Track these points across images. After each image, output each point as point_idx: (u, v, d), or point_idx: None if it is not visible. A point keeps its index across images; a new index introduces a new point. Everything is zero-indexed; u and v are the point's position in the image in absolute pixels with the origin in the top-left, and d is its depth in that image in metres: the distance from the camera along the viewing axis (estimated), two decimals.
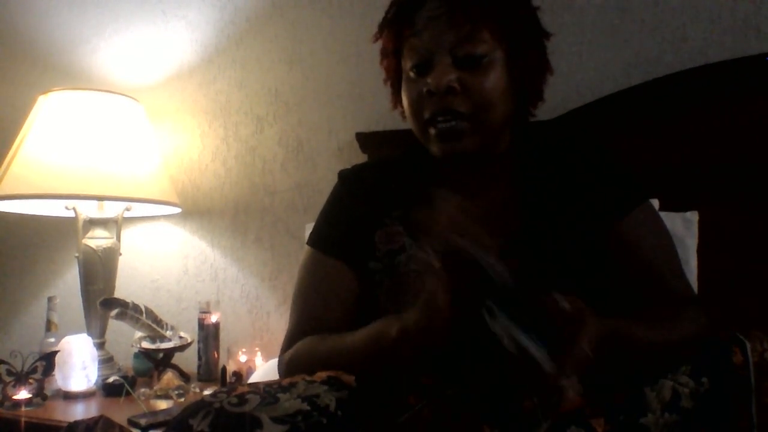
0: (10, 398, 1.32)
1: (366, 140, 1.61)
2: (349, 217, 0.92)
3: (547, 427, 0.66)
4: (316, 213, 0.98)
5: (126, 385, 1.42)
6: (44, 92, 1.61)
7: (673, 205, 1.22)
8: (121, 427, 1.04)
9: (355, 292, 0.90)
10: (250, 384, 0.70)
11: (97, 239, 1.63)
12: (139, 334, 1.59)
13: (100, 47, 1.99)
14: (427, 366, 0.75)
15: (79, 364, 1.42)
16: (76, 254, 1.63)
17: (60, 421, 1.25)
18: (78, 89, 1.63)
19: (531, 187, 0.88)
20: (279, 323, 1.77)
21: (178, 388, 1.41)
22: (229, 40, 1.85)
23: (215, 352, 1.64)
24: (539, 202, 0.87)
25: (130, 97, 1.68)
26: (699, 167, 1.29)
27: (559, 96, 1.39)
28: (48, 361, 1.38)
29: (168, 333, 1.59)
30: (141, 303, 1.59)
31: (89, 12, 1.99)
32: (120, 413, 1.22)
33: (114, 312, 1.53)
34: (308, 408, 0.64)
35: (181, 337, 1.59)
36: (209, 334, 1.64)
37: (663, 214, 0.99)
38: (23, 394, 1.33)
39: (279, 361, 0.90)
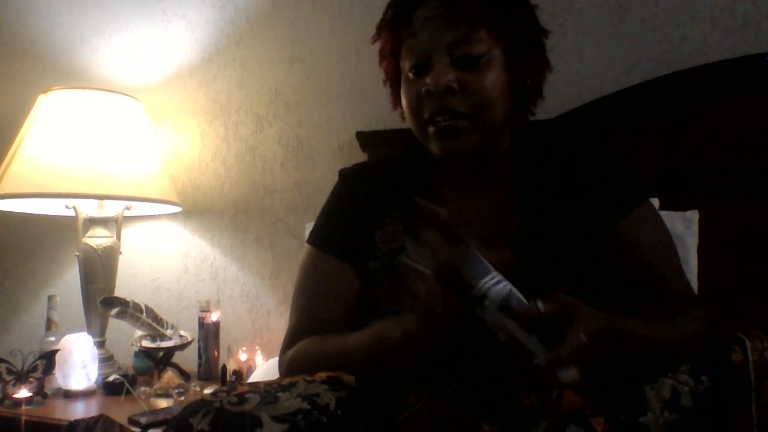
0: (10, 397, 1.33)
1: (366, 139, 1.61)
2: (350, 217, 0.92)
3: (546, 426, 0.66)
4: (316, 212, 0.98)
5: (126, 383, 1.42)
6: (44, 91, 1.61)
7: (673, 204, 1.22)
8: (121, 426, 1.04)
9: (355, 292, 0.90)
10: (250, 383, 0.70)
11: (98, 238, 1.63)
12: (139, 332, 1.59)
13: (100, 46, 1.99)
14: (427, 366, 0.75)
15: (80, 363, 1.42)
16: (77, 253, 1.63)
17: (60, 420, 1.25)
18: (78, 88, 1.63)
19: (531, 187, 0.88)
20: (279, 322, 1.77)
21: (178, 386, 1.41)
22: (229, 39, 1.85)
23: (215, 351, 1.65)
24: (539, 201, 0.87)
25: (130, 96, 1.68)
26: (699, 167, 1.28)
27: (559, 96, 1.39)
28: (48, 359, 1.38)
29: (168, 332, 1.59)
30: (141, 302, 1.59)
31: (89, 11, 1.99)
32: (120, 412, 1.22)
33: (114, 311, 1.53)
34: (308, 407, 0.64)
35: (181, 336, 1.60)
36: (209, 333, 1.64)
37: (663, 214, 0.99)
38: (23, 392, 1.33)
39: (279, 361, 0.90)
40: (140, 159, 1.62)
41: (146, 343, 1.54)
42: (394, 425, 0.69)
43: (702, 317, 0.81)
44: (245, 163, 1.84)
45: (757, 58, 1.28)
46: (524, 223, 0.86)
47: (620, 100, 1.37)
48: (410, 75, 0.84)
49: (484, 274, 0.61)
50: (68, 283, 1.94)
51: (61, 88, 1.61)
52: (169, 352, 1.54)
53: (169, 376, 1.46)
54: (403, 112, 0.90)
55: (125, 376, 1.47)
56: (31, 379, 1.36)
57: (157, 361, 1.53)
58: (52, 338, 1.55)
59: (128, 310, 1.54)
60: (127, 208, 1.70)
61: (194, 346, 1.63)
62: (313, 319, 0.88)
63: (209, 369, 1.62)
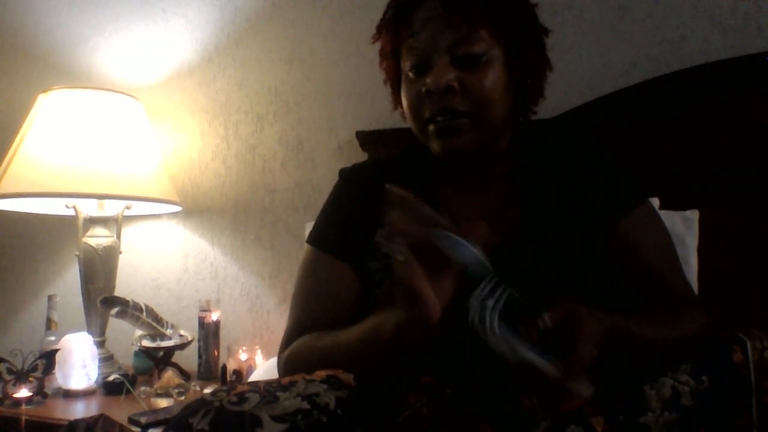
0: (10, 396, 1.33)
1: (366, 139, 1.61)
2: (349, 217, 0.92)
3: (546, 426, 0.66)
4: (316, 212, 0.98)
5: (126, 383, 1.43)
6: (44, 91, 1.61)
7: (673, 204, 1.22)
8: (121, 426, 1.04)
9: (355, 292, 0.90)
10: (250, 383, 0.70)
11: (98, 238, 1.63)
12: (139, 332, 1.59)
13: (100, 46, 1.99)
14: (427, 365, 0.75)
15: (80, 363, 1.42)
16: (77, 253, 1.63)
17: (60, 420, 1.25)
18: (78, 88, 1.62)
19: (531, 187, 0.88)
20: (279, 322, 1.77)
21: (178, 386, 1.41)
22: (229, 39, 1.85)
23: (215, 351, 1.65)
24: (539, 201, 0.87)
25: (130, 95, 1.68)
26: (699, 167, 1.29)
27: (560, 95, 1.39)
28: (48, 359, 1.38)
29: (168, 331, 1.59)
30: (141, 301, 1.59)
31: (89, 11, 1.99)
32: (120, 412, 1.22)
33: (114, 310, 1.53)
34: (308, 406, 0.64)
35: (181, 336, 1.60)
36: (209, 333, 1.64)
37: (663, 213, 0.99)
38: (23, 392, 1.33)
39: (278, 360, 0.90)
40: (140, 158, 1.62)
41: (146, 343, 1.54)
42: (394, 425, 0.69)
43: (702, 317, 0.81)
44: (245, 163, 1.84)
45: (757, 58, 1.28)
46: (524, 222, 0.86)
47: (620, 100, 1.37)
48: (410, 75, 0.84)
49: (473, 262, 0.60)
50: (68, 283, 1.94)
51: (61, 88, 1.61)
52: (169, 351, 1.54)
53: (169, 375, 1.46)
54: (403, 112, 0.90)
55: (125, 375, 1.47)
56: (31, 379, 1.36)
57: (157, 360, 1.53)
58: (52, 338, 1.55)
59: (128, 309, 1.53)
60: (127, 208, 1.70)
61: (194, 345, 1.63)
62: (312, 319, 0.88)
63: (209, 368, 1.62)
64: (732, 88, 1.29)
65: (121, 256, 1.69)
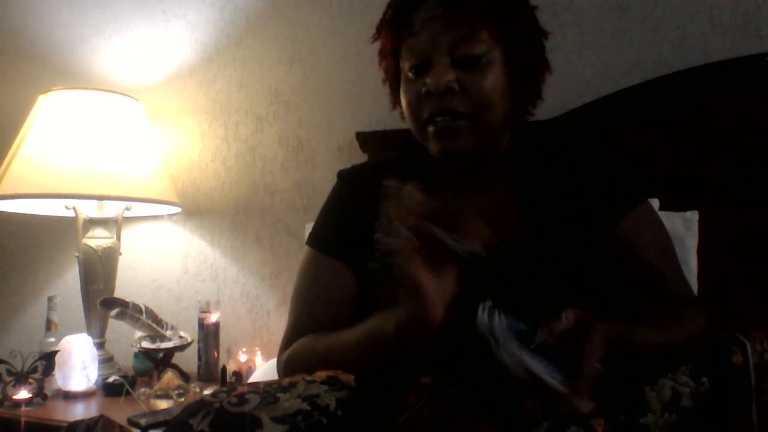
0: (10, 398, 1.33)
1: (366, 140, 1.61)
2: (349, 218, 0.92)
3: (546, 426, 0.66)
4: (316, 213, 0.98)
5: (126, 384, 1.42)
6: (44, 92, 1.61)
7: (673, 204, 1.22)
8: (121, 427, 1.04)
9: (355, 292, 0.90)
10: (250, 384, 0.70)
11: (97, 239, 1.63)
12: (139, 333, 1.59)
13: (100, 47, 1.99)
14: (427, 366, 0.75)
15: (79, 364, 1.42)
16: (76, 254, 1.63)
17: (60, 421, 1.25)
18: (78, 89, 1.63)
19: (530, 187, 0.88)
20: (279, 323, 1.77)
21: (178, 387, 1.41)
22: (229, 39, 1.85)
23: (215, 352, 1.64)
24: (539, 202, 0.87)
25: (130, 96, 1.68)
26: (699, 167, 1.28)
27: (559, 96, 1.39)
28: (48, 360, 1.38)
29: (168, 333, 1.59)
30: (141, 303, 1.59)
31: (89, 12, 1.99)
32: (120, 413, 1.22)
33: (114, 312, 1.53)
34: (308, 408, 0.64)
35: (181, 337, 1.59)
36: (209, 334, 1.64)
37: (663, 214, 0.99)
38: (23, 393, 1.33)
39: (277, 361, 0.90)
40: (140, 159, 1.62)
41: (146, 344, 1.54)
42: (394, 425, 0.69)
43: (702, 318, 0.80)
44: (245, 164, 1.84)
45: (757, 58, 1.28)
46: (524, 223, 0.86)
47: (620, 100, 1.37)
48: (410, 75, 0.84)
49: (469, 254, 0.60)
50: (68, 284, 1.94)
51: (60, 89, 1.61)
52: (169, 353, 1.54)
53: (169, 377, 1.46)
54: (402, 112, 0.90)
55: (125, 377, 1.47)
56: (30, 380, 1.36)
57: (156, 362, 1.53)
58: (52, 339, 1.55)
59: (128, 311, 1.53)
60: (127, 209, 1.69)
61: (194, 347, 1.62)
62: (311, 320, 0.88)
63: (209, 370, 1.62)
64: (732, 88, 1.29)
65: (120, 258, 1.69)
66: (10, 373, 1.35)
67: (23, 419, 1.26)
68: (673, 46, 1.42)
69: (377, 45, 0.90)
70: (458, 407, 0.71)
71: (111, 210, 1.68)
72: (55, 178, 1.48)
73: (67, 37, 2.02)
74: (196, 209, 1.88)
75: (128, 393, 1.41)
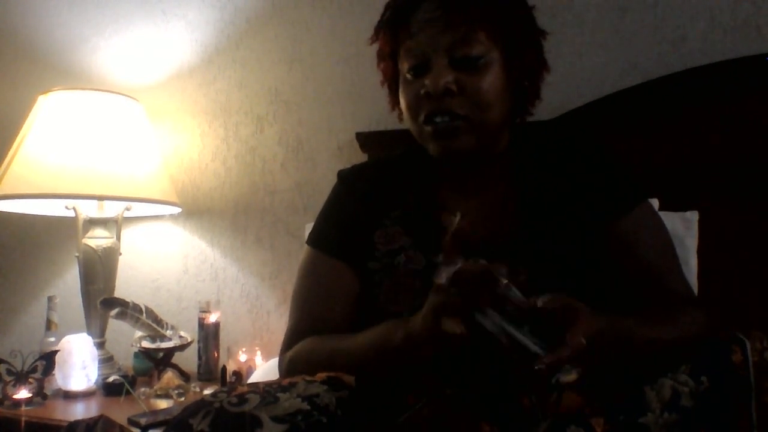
0: (10, 397, 1.33)
1: (366, 140, 1.61)
2: (349, 217, 0.92)
3: (546, 426, 0.66)
4: (316, 213, 0.98)
5: (126, 384, 1.42)
6: (44, 92, 1.61)
7: (673, 204, 1.22)
8: (121, 427, 1.04)
9: (355, 292, 0.90)
10: (250, 384, 0.70)
11: (97, 239, 1.63)
12: (139, 333, 1.59)
13: (100, 47, 1.99)
14: (427, 366, 0.75)
15: (79, 364, 1.42)
16: (76, 254, 1.63)
17: (60, 421, 1.25)
18: (78, 89, 1.63)
19: (530, 187, 0.88)
20: (279, 323, 1.77)
21: (178, 387, 1.41)
22: (229, 40, 1.85)
23: (215, 352, 1.64)
24: (538, 202, 0.87)
25: (130, 96, 1.68)
26: (699, 167, 1.28)
27: (559, 96, 1.39)
28: (48, 360, 1.38)
29: (168, 332, 1.59)
30: (141, 302, 1.59)
31: (89, 12, 1.99)
32: (120, 413, 1.22)
33: (114, 311, 1.53)
34: (308, 407, 0.64)
35: (181, 337, 1.59)
36: (209, 334, 1.64)
37: (663, 214, 0.99)
38: (23, 393, 1.33)
39: (279, 361, 0.90)
40: (140, 159, 1.62)
41: (146, 344, 1.54)
42: (394, 425, 0.69)
43: (701, 318, 0.80)
44: (245, 164, 1.84)
45: (757, 58, 1.28)
46: (523, 223, 0.86)
47: (620, 101, 1.37)
48: (409, 76, 0.84)
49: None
50: (68, 284, 1.94)
51: (61, 89, 1.61)
52: (169, 352, 1.54)
53: (169, 376, 1.46)
54: (401, 113, 0.90)
55: (125, 376, 1.47)
56: (30, 380, 1.36)
57: (156, 361, 1.53)
58: (52, 339, 1.56)
59: (128, 310, 1.54)
60: (127, 209, 1.69)
61: (194, 346, 1.62)
62: (312, 320, 0.88)
63: (209, 370, 1.62)
64: (732, 88, 1.29)
65: (120, 258, 1.69)
66: (10, 372, 1.35)
67: (23, 419, 1.26)
68: (673, 46, 1.42)
69: (377, 45, 0.90)
70: (458, 407, 0.71)
71: (111, 210, 1.68)
72: (55, 178, 1.48)
73: (67, 37, 2.02)
74: (196, 209, 1.88)
75: (128, 393, 1.41)
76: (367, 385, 0.72)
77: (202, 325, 1.63)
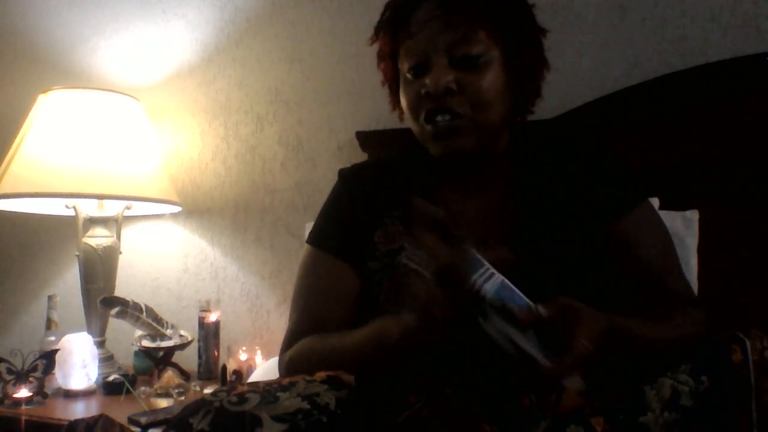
0: (10, 396, 1.33)
1: (366, 139, 1.61)
2: (349, 217, 0.92)
3: (546, 426, 0.66)
4: (316, 212, 0.98)
5: (126, 383, 1.43)
6: (44, 91, 1.61)
7: (673, 204, 1.22)
8: (121, 426, 1.04)
9: (355, 292, 0.90)
10: (250, 383, 0.70)
11: (98, 238, 1.63)
12: (139, 332, 1.59)
13: (100, 46, 1.99)
14: (427, 366, 0.75)
15: (80, 363, 1.42)
16: (77, 253, 1.63)
17: (60, 420, 1.25)
18: (78, 88, 1.63)
19: (530, 187, 0.88)
20: (279, 322, 1.77)
21: (178, 386, 1.41)
22: (229, 39, 1.85)
23: (215, 351, 1.65)
24: (538, 201, 0.87)
25: (131, 96, 1.68)
26: (699, 167, 1.28)
27: (560, 95, 1.39)
28: (48, 359, 1.38)
29: (168, 331, 1.59)
30: (141, 301, 1.59)
31: (89, 11, 1.99)
32: (120, 412, 1.22)
33: (114, 310, 1.53)
34: (308, 407, 0.64)
35: (181, 336, 1.60)
36: (209, 333, 1.64)
37: (663, 213, 0.99)
38: (23, 392, 1.33)
39: (279, 361, 0.90)
40: (140, 159, 1.62)
41: (146, 343, 1.54)
42: (394, 425, 0.69)
43: (701, 317, 0.81)
44: (245, 163, 1.84)
45: (757, 58, 1.28)
46: (523, 222, 0.86)
47: (620, 100, 1.37)
48: (409, 76, 0.84)
49: (475, 269, 0.60)
50: (68, 283, 1.94)
51: (61, 88, 1.61)
52: (169, 351, 1.54)
53: (169, 375, 1.46)
54: (402, 113, 0.90)
55: (125, 375, 1.47)
56: (31, 379, 1.36)
57: (157, 360, 1.53)
58: (52, 338, 1.56)
59: (128, 309, 1.54)
60: (127, 208, 1.70)
61: (194, 345, 1.63)
62: (312, 319, 0.88)
63: (209, 369, 1.62)
64: (732, 88, 1.29)
65: (121, 257, 1.69)
66: (10, 371, 1.35)
67: (23, 418, 1.26)
68: (673, 46, 1.42)
69: (377, 45, 0.90)
70: (458, 407, 0.71)
71: (111, 209, 1.68)
72: (56, 177, 1.48)
73: (67, 37, 2.02)
74: (196, 208, 1.88)
75: (128, 392, 1.41)
76: (367, 385, 0.72)
77: (202, 324, 1.63)
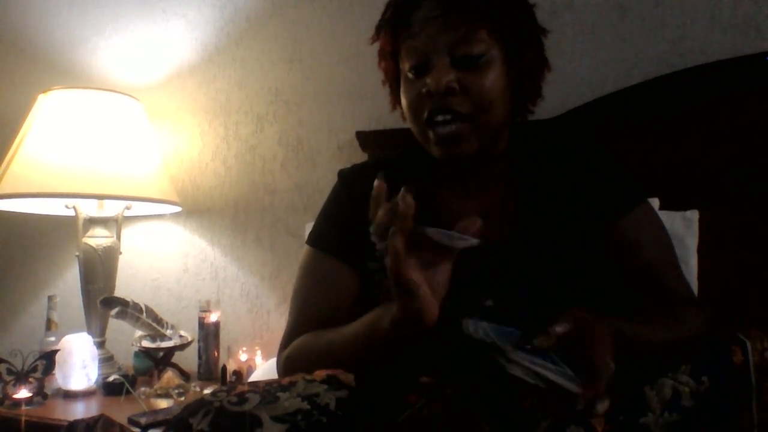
0: (10, 397, 1.33)
1: (366, 139, 1.61)
2: (349, 217, 0.92)
3: (546, 426, 0.66)
4: (316, 212, 0.98)
5: (126, 384, 1.43)
6: (44, 91, 1.61)
7: (673, 204, 1.22)
8: (121, 426, 1.04)
9: (354, 292, 0.90)
10: (250, 383, 0.70)
11: (98, 238, 1.63)
12: (139, 333, 1.59)
13: (100, 46, 1.99)
14: (427, 366, 0.75)
15: (80, 363, 1.42)
16: (77, 253, 1.63)
17: (60, 420, 1.25)
18: (78, 88, 1.62)
19: (530, 187, 0.88)
20: (279, 322, 1.77)
21: (178, 387, 1.41)
22: (229, 39, 1.85)
23: (215, 351, 1.65)
24: (538, 201, 0.87)
25: (131, 96, 1.68)
26: (699, 167, 1.28)
27: (559, 95, 1.39)
28: (48, 359, 1.38)
29: (168, 332, 1.59)
30: (141, 302, 1.59)
31: (89, 11, 1.99)
32: (120, 412, 1.22)
33: (114, 311, 1.53)
34: (308, 407, 0.64)
35: (181, 336, 1.60)
36: (209, 333, 1.64)
37: (663, 214, 0.99)
38: (23, 392, 1.33)
39: (277, 360, 0.90)
40: (140, 159, 1.62)
41: (146, 344, 1.54)
42: (394, 425, 0.69)
43: (701, 318, 0.81)
44: (245, 163, 1.84)
45: (757, 58, 1.28)
46: (523, 222, 0.86)
47: (620, 100, 1.37)
48: (410, 75, 0.84)
49: (452, 240, 0.59)
50: (68, 283, 1.94)
51: (61, 88, 1.61)
52: (169, 352, 1.54)
53: (169, 376, 1.46)
54: (402, 113, 0.90)
55: (125, 376, 1.47)
56: (31, 380, 1.36)
57: (157, 361, 1.53)
58: (52, 338, 1.56)
59: (128, 310, 1.54)
60: (127, 208, 1.70)
61: (194, 346, 1.63)
62: (311, 319, 0.88)
63: (209, 369, 1.62)
64: (732, 88, 1.29)
65: (121, 257, 1.69)
66: (10, 372, 1.35)
67: (23, 418, 1.26)
68: (673, 46, 1.42)
69: (377, 45, 0.90)
70: (458, 407, 0.71)
71: (111, 209, 1.68)
72: (55, 177, 1.48)
73: (67, 37, 2.02)
74: (196, 208, 1.88)
75: (128, 392, 1.41)
76: (367, 385, 0.72)
77: (202, 324, 1.63)
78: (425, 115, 0.82)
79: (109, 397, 1.44)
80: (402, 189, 0.62)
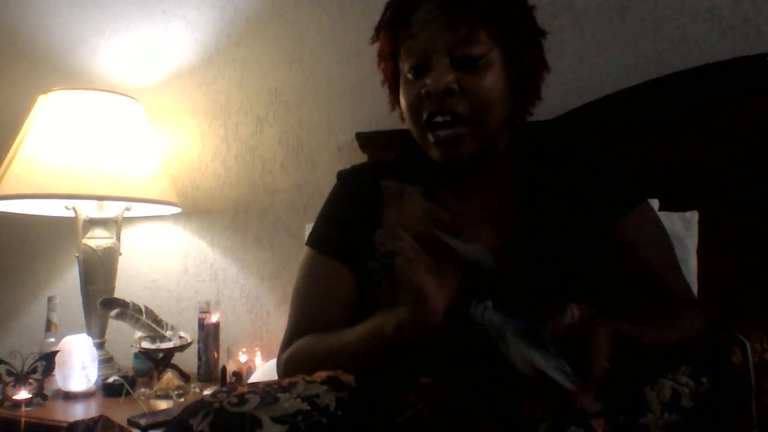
0: (10, 398, 1.32)
1: (366, 140, 1.61)
2: (348, 218, 0.92)
3: (546, 426, 0.66)
4: (316, 213, 0.98)
5: (126, 385, 1.42)
6: (44, 92, 1.61)
7: (673, 205, 1.22)
8: (121, 427, 1.04)
9: (354, 293, 0.90)
10: (250, 384, 0.70)
11: (97, 239, 1.63)
12: (139, 334, 1.59)
13: (100, 47, 1.99)
14: (427, 366, 0.75)
15: (79, 364, 1.42)
16: (76, 254, 1.63)
17: (60, 421, 1.25)
18: (78, 89, 1.63)
19: (529, 187, 0.88)
20: (279, 323, 1.77)
21: (178, 388, 1.41)
22: (229, 39, 1.86)
23: (215, 352, 1.64)
24: (538, 202, 0.87)
25: (130, 96, 1.68)
26: (698, 167, 1.28)
27: (560, 96, 1.39)
28: (48, 361, 1.38)
29: (168, 333, 1.59)
30: (141, 303, 1.59)
31: (89, 12, 2.00)
32: (120, 413, 1.22)
33: (114, 312, 1.53)
34: (308, 408, 0.64)
35: (181, 337, 1.59)
36: (209, 334, 1.64)
37: (662, 214, 0.99)
38: (23, 394, 1.33)
39: (277, 361, 0.90)
40: (140, 159, 1.62)
41: (146, 345, 1.54)
42: (394, 425, 0.69)
43: (700, 318, 0.80)
44: (245, 164, 1.84)
45: (757, 58, 1.28)
46: (523, 223, 0.86)
47: (620, 101, 1.37)
48: (409, 76, 0.84)
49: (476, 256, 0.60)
50: (68, 284, 1.94)
51: (61, 89, 1.61)
52: (169, 353, 1.54)
53: (169, 377, 1.46)
54: (401, 113, 0.90)
55: (125, 377, 1.47)
56: (30, 381, 1.35)
57: (156, 362, 1.53)
58: (52, 339, 1.55)
59: (128, 311, 1.53)
60: (127, 209, 1.70)
61: (194, 347, 1.62)
62: (311, 321, 0.88)
63: (209, 370, 1.62)
64: (732, 88, 1.29)
65: (120, 258, 1.69)
66: (10, 373, 1.35)
67: (23, 419, 1.26)
68: (673, 46, 1.42)
69: (377, 46, 0.90)
70: (458, 407, 0.71)
71: (111, 210, 1.68)
72: (55, 178, 1.48)
73: (67, 38, 2.02)
74: (196, 209, 1.88)
75: (128, 393, 1.41)
76: (367, 386, 0.72)
77: (202, 325, 1.63)
78: (424, 116, 0.82)
79: (108, 398, 1.44)
80: (408, 187, 0.61)
